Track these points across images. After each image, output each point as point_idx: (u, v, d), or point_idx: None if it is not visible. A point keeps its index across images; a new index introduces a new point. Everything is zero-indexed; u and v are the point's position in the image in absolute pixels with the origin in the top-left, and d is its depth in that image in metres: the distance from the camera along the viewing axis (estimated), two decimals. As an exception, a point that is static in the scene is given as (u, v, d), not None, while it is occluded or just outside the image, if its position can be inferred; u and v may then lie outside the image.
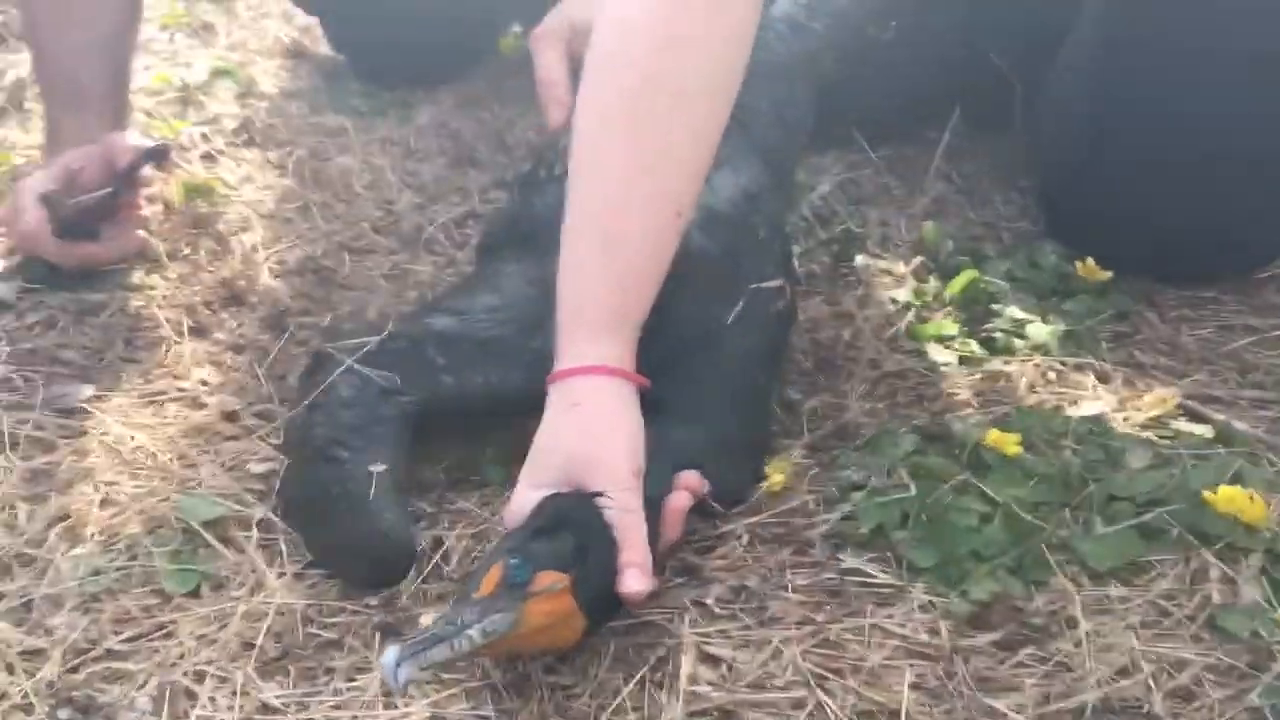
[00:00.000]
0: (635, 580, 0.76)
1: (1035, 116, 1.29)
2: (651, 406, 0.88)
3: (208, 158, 1.49)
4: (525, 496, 0.82)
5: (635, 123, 0.89)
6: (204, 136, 1.54)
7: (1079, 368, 1.05)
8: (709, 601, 0.81)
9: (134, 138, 1.25)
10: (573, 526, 0.77)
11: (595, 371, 0.85)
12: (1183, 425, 0.96)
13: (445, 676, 0.77)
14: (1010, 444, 0.89)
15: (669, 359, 0.91)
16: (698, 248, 0.94)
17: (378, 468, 0.87)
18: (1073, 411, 0.98)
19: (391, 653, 0.67)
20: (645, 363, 0.89)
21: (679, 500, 0.83)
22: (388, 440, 0.90)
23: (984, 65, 1.33)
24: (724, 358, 0.94)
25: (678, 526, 0.83)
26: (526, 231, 1.06)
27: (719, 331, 0.94)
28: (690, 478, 0.85)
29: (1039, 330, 1.06)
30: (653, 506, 0.82)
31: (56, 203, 1.15)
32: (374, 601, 0.83)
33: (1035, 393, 1.01)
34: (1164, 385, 1.02)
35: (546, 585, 0.73)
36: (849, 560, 0.84)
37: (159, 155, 1.25)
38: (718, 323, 0.95)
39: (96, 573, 0.85)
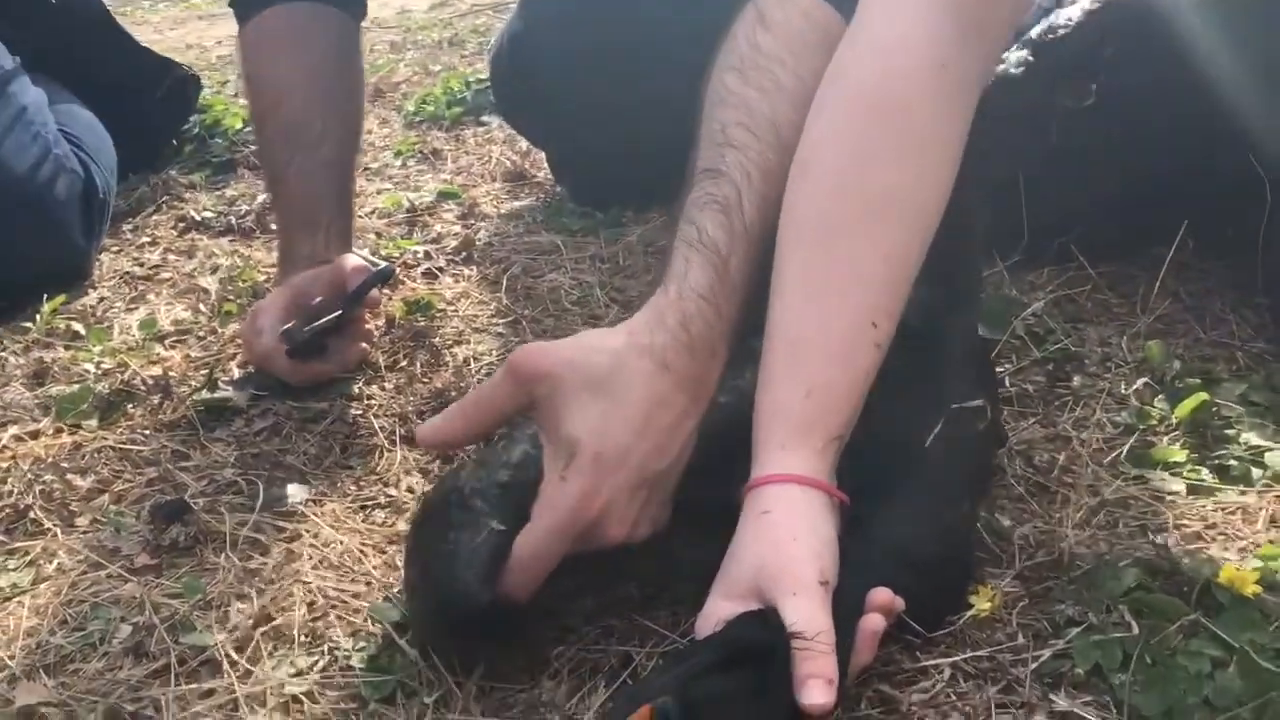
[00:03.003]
0: (817, 692, 0.73)
1: (1276, 230, 1.20)
2: (849, 527, 0.85)
3: (429, 274, 1.56)
4: (715, 606, 0.81)
5: (825, 233, 0.88)
6: (427, 254, 1.62)
7: (1328, 501, 0.95)
8: (907, 739, 0.77)
9: (360, 259, 1.32)
10: (754, 658, 0.74)
11: (786, 480, 0.83)
12: None
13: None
14: (1248, 583, 0.81)
15: (867, 480, 0.88)
16: (892, 366, 0.91)
17: (499, 526, 0.84)
18: (1322, 549, 0.89)
19: None
20: (843, 485, 0.86)
21: (872, 622, 0.79)
22: (528, 505, 0.86)
23: (1221, 176, 1.26)
24: (924, 480, 0.90)
25: (870, 649, 0.79)
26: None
27: (918, 453, 0.91)
28: (883, 594, 0.81)
29: (1280, 459, 0.98)
30: (843, 623, 0.78)
31: (294, 333, 1.22)
32: (556, 718, 0.82)
33: (1277, 527, 0.93)
34: None
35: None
36: (1063, 702, 0.78)
37: (385, 277, 1.32)
38: (917, 444, 0.91)
39: (299, 674, 0.87)
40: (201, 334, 1.43)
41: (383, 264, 1.33)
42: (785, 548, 0.80)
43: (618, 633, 0.90)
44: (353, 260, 1.31)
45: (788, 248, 0.91)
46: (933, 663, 0.82)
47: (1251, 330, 1.22)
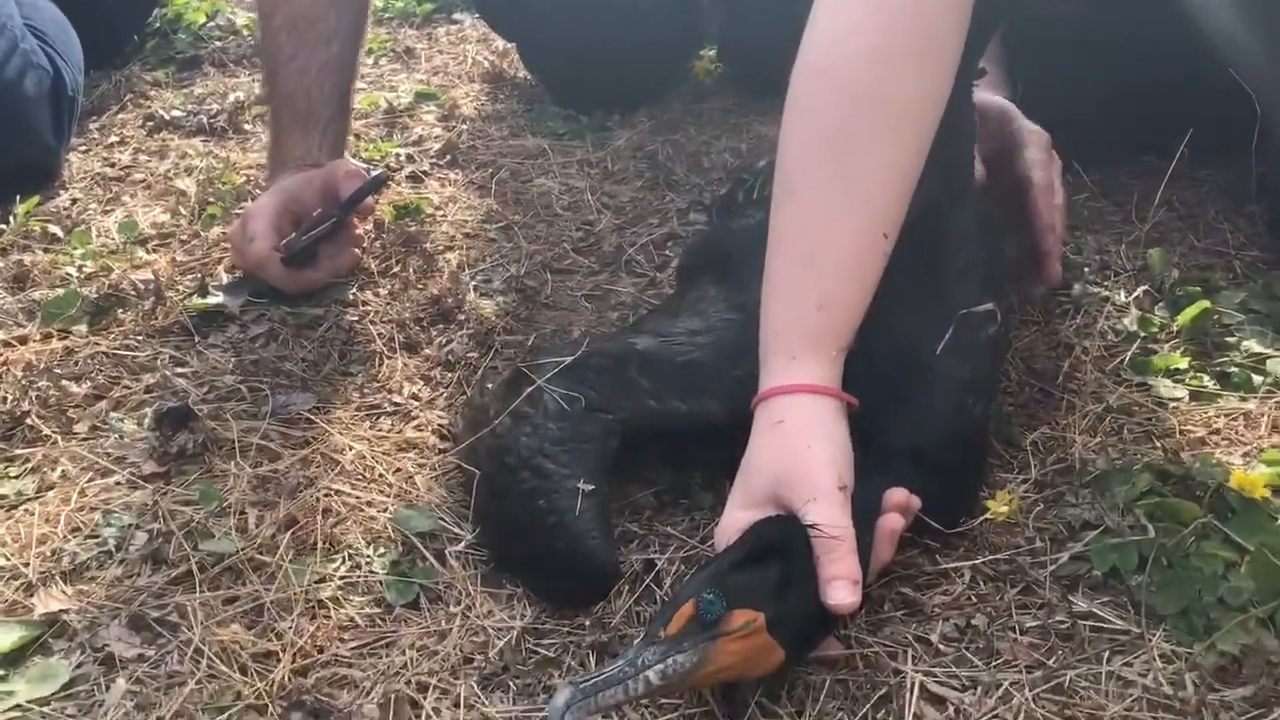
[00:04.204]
0: (843, 592, 0.74)
1: (1271, 138, 1.21)
2: (861, 434, 0.86)
3: (414, 178, 1.53)
4: (733, 517, 0.81)
5: (841, 142, 0.87)
6: (410, 157, 1.58)
7: (1326, 407, 0.98)
8: (933, 639, 0.79)
9: (353, 164, 1.29)
10: (778, 554, 0.75)
11: (798, 390, 0.84)
12: None
13: (664, 702, 0.76)
14: (1258, 486, 0.84)
15: (878, 387, 0.88)
16: (899, 272, 0.91)
17: (585, 485, 0.86)
18: (1322, 454, 0.91)
19: (563, 694, 0.67)
20: (854, 391, 0.87)
21: (891, 521, 0.81)
22: (594, 458, 0.89)
23: (1213, 86, 1.26)
24: (935, 384, 0.90)
25: (890, 547, 0.81)
26: (728, 255, 1.06)
27: (929, 359, 0.91)
28: (899, 494, 0.82)
29: (1280, 366, 1.00)
30: (863, 525, 0.80)
31: (292, 242, 1.20)
32: (587, 622, 0.83)
33: (1279, 432, 0.95)
34: None
35: (738, 626, 0.71)
36: (1081, 603, 0.80)
37: (380, 184, 1.29)
38: (928, 350, 0.92)
39: (322, 580, 0.88)
40: (184, 238, 1.39)
41: (377, 169, 1.30)
42: (801, 455, 0.81)
43: (638, 539, 0.91)
44: (345, 164, 1.28)
45: (799, 157, 0.89)
46: (953, 566, 0.84)
47: (1244, 239, 1.23)
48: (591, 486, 0.86)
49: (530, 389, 0.93)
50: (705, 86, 1.78)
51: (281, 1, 1.31)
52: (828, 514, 0.78)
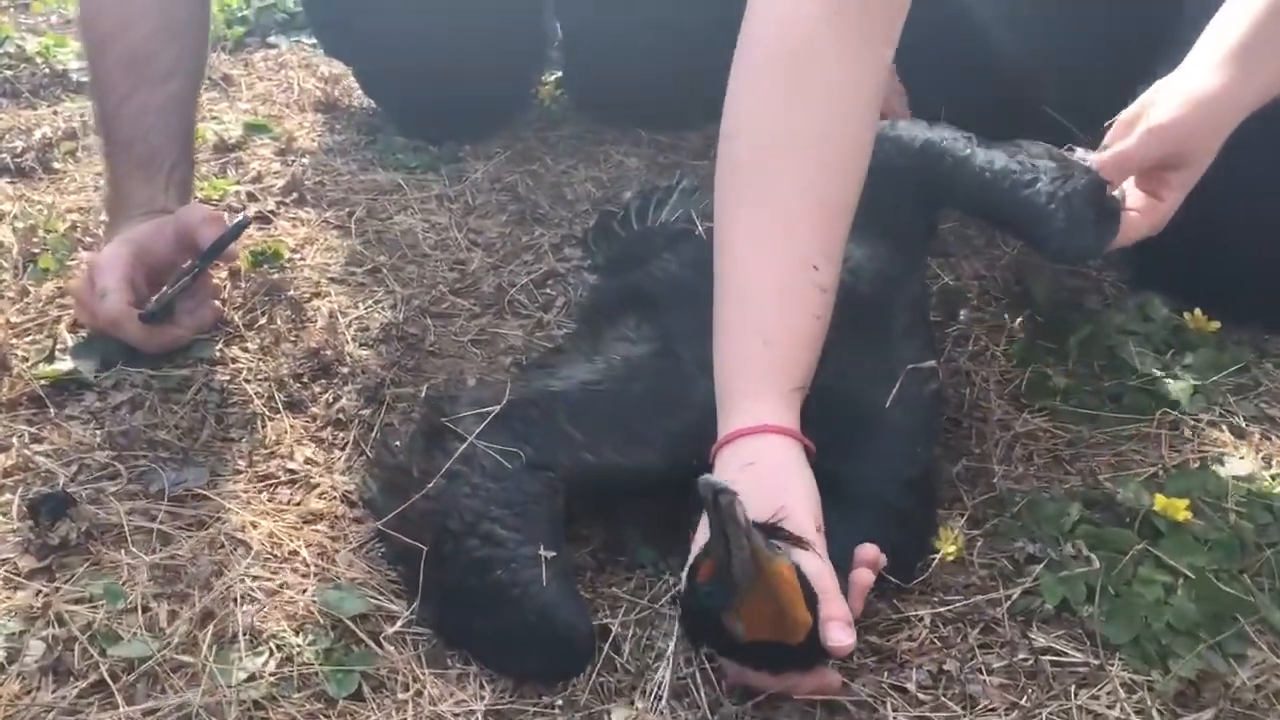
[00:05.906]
0: (840, 632, 0.74)
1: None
2: (822, 486, 0.85)
3: (261, 219, 1.44)
4: None
5: (760, 173, 0.88)
6: (251, 196, 1.49)
7: (1212, 424, 1.04)
8: (910, 687, 0.79)
9: (207, 209, 1.20)
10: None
11: (765, 431, 0.83)
12: (1336, 482, 0.96)
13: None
14: (1179, 510, 0.88)
15: (833, 440, 0.87)
16: (847, 332, 0.92)
17: (546, 552, 0.83)
18: (1220, 470, 0.97)
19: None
20: (808, 437, 0.86)
21: (863, 576, 0.81)
22: (545, 519, 0.86)
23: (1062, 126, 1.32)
24: (888, 437, 0.91)
25: (861, 602, 0.81)
26: (645, 297, 1.04)
27: (880, 413, 0.92)
28: (869, 551, 0.82)
29: (1169, 387, 1.05)
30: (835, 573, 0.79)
31: (161, 297, 1.11)
32: (559, 701, 0.79)
33: (1176, 451, 1.00)
34: (1301, 440, 1.02)
35: (784, 550, 0.73)
36: (1040, 638, 0.82)
37: (244, 229, 1.20)
38: (877, 405, 0.92)
39: (252, 677, 0.81)
40: (12, 295, 1.26)
41: (239, 214, 1.22)
42: (779, 497, 0.79)
43: (589, 604, 0.87)
44: (199, 209, 1.19)
45: (723, 198, 0.91)
46: (914, 613, 0.85)
47: (1103, 260, 1.29)
48: (554, 553, 0.82)
49: (463, 447, 0.88)
50: (553, 113, 1.74)
51: (111, 37, 1.20)
52: (812, 558, 0.77)
